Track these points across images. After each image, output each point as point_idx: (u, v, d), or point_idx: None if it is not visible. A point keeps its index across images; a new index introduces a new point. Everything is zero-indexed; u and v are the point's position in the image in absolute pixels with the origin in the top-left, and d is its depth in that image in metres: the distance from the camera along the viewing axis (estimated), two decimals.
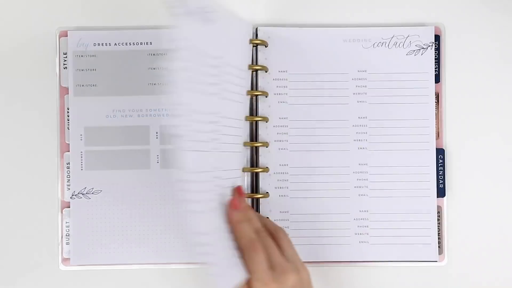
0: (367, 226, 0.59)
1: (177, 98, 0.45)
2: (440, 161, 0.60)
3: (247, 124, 0.59)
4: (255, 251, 0.49)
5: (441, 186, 0.60)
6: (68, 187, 0.60)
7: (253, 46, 0.60)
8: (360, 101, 0.60)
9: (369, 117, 0.60)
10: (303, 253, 0.56)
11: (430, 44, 0.60)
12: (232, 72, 0.54)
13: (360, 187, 0.59)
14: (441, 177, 0.60)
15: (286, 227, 0.59)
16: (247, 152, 0.60)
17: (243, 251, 0.50)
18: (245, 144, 0.58)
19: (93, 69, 0.60)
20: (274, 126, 0.60)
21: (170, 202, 0.59)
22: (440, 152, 0.60)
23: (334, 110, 0.60)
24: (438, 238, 0.60)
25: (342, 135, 0.60)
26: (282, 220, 0.59)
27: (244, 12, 0.61)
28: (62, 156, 0.60)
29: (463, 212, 0.60)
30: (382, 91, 0.60)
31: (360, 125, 0.60)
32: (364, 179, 0.59)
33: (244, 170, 0.59)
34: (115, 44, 0.60)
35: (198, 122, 0.48)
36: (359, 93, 0.60)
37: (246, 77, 0.58)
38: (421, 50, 0.60)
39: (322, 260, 0.59)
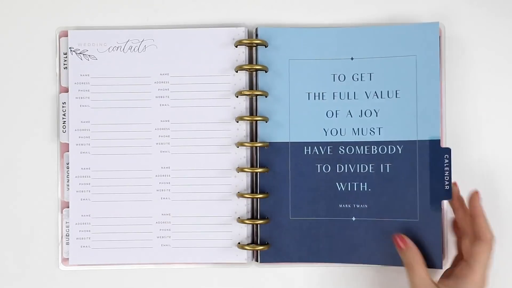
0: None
1: None
2: (446, 161, 0.58)
3: (243, 124, 0.59)
4: None
5: (446, 188, 0.58)
6: (67, 187, 0.60)
7: (253, 46, 0.60)
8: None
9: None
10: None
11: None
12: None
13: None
14: (446, 178, 0.58)
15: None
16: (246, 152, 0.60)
17: None
18: (243, 144, 0.59)
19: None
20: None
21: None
22: (446, 152, 0.58)
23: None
24: None
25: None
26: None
27: (244, 12, 0.61)
28: (62, 156, 0.60)
29: None
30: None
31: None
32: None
33: (244, 170, 0.59)
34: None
35: None
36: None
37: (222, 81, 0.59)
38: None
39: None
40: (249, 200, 0.60)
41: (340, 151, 0.60)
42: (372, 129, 0.60)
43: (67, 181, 0.60)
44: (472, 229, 0.54)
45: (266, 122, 0.59)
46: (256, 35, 0.60)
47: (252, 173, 0.59)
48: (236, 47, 0.59)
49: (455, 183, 0.57)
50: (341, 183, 0.59)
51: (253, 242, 0.60)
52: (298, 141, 0.60)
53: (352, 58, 0.60)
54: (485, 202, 0.55)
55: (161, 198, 0.59)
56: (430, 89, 0.59)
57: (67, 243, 0.60)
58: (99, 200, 0.59)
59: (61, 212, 0.60)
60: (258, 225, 0.59)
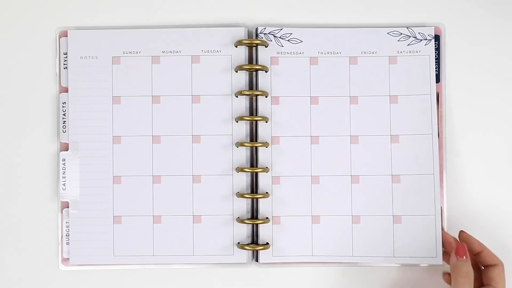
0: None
1: None
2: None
3: (243, 124, 0.59)
4: None
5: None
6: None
7: (253, 46, 0.60)
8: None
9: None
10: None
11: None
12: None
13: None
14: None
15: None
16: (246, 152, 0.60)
17: None
18: (244, 144, 0.59)
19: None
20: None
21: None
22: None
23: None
24: None
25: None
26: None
27: (244, 11, 0.61)
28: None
29: (463, 211, 0.60)
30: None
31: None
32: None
33: (244, 170, 0.59)
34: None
35: None
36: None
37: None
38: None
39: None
40: (249, 200, 0.60)
41: None
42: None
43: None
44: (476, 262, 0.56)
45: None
46: (256, 35, 0.60)
47: (252, 173, 0.59)
48: (236, 47, 0.59)
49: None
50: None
51: (253, 242, 0.60)
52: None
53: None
54: (485, 202, 0.56)
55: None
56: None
57: (67, 243, 0.60)
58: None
59: (61, 212, 0.60)
60: (258, 225, 0.59)
